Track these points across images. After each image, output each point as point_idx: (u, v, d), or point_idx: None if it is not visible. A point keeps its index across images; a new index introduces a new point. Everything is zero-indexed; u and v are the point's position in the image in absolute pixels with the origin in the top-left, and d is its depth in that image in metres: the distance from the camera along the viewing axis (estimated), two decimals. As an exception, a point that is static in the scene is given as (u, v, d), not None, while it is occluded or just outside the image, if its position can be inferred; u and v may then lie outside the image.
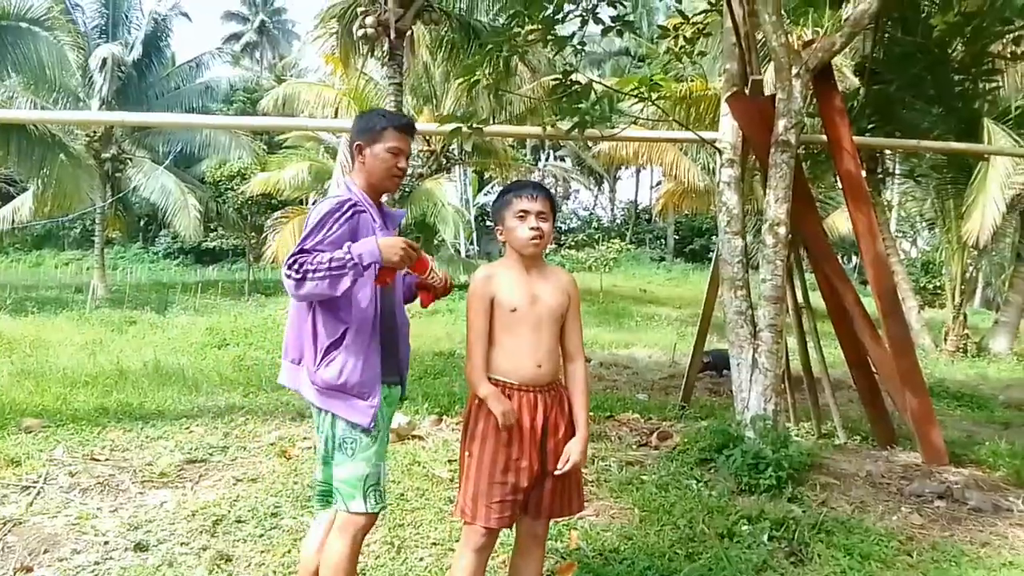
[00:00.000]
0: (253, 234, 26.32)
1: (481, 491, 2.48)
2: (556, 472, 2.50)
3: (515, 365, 2.50)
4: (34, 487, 4.21)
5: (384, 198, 2.79)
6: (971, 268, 14.59)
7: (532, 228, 2.50)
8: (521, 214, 2.51)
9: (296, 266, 2.34)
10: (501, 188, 2.69)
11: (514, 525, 2.62)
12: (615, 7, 5.37)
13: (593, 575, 3.27)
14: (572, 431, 2.56)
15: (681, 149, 18.61)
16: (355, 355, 2.46)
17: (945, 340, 14.35)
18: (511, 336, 2.51)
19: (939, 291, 20.66)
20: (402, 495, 4.19)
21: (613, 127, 5.74)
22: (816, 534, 3.82)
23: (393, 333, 2.62)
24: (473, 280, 2.55)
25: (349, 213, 2.46)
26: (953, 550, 3.76)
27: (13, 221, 22.37)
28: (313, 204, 2.70)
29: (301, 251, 2.38)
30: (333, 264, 2.32)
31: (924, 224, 22.22)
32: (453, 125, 4.80)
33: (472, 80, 4.61)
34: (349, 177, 2.69)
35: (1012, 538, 4.02)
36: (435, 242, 22.42)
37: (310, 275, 2.32)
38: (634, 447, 5.46)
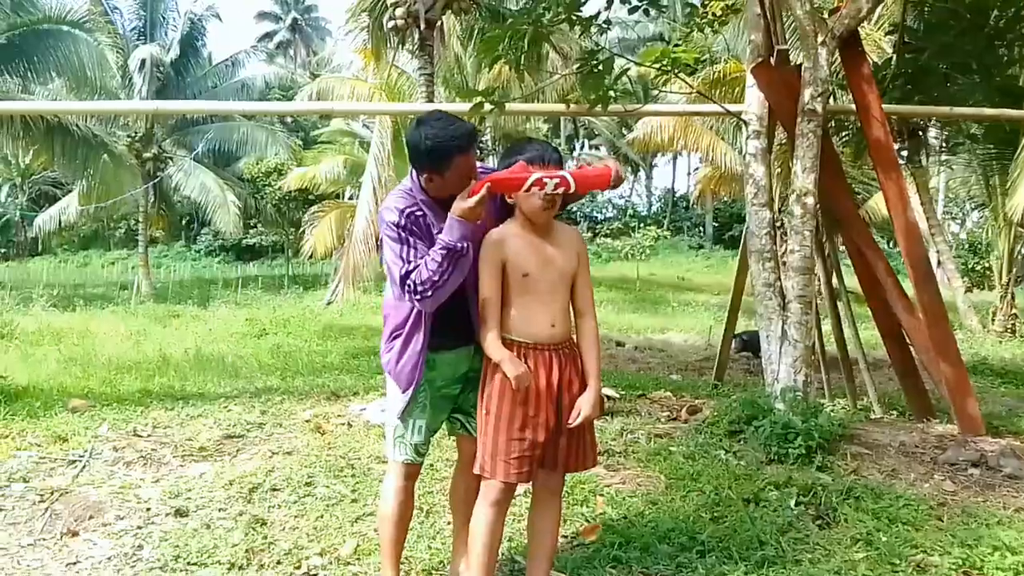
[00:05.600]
0: (292, 229, 26.73)
1: (499, 447, 2.52)
2: (569, 426, 2.54)
3: (530, 326, 2.54)
4: (80, 461, 4.38)
5: None
6: (1020, 247, 14.19)
7: (544, 197, 2.46)
8: None
9: (419, 288, 2.40)
10: (507, 147, 2.69)
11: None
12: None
13: (618, 536, 3.31)
14: (584, 387, 2.59)
15: (718, 133, 18.36)
16: (404, 347, 2.58)
17: (993, 321, 14.00)
18: (525, 299, 2.53)
19: (988, 272, 20.11)
20: (431, 465, 4.26)
21: (638, 102, 5.71)
22: (844, 500, 3.80)
23: (459, 308, 2.58)
24: (484, 244, 2.54)
25: (412, 218, 2.50)
26: (985, 514, 3.70)
27: (60, 222, 23.07)
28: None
29: (408, 273, 2.42)
30: (445, 263, 2.38)
31: (972, 206, 21.66)
32: (476, 100, 4.83)
33: (494, 56, 4.63)
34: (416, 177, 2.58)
35: (1048, 504, 3.96)
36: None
37: (437, 285, 2.40)
38: (663, 421, 5.47)
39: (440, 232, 2.45)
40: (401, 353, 2.59)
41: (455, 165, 2.44)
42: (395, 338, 2.61)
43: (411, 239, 2.47)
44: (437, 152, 2.43)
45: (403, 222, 2.47)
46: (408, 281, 2.42)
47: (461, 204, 2.40)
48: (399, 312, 2.59)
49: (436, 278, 2.39)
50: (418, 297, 2.42)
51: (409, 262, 2.44)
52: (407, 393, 2.60)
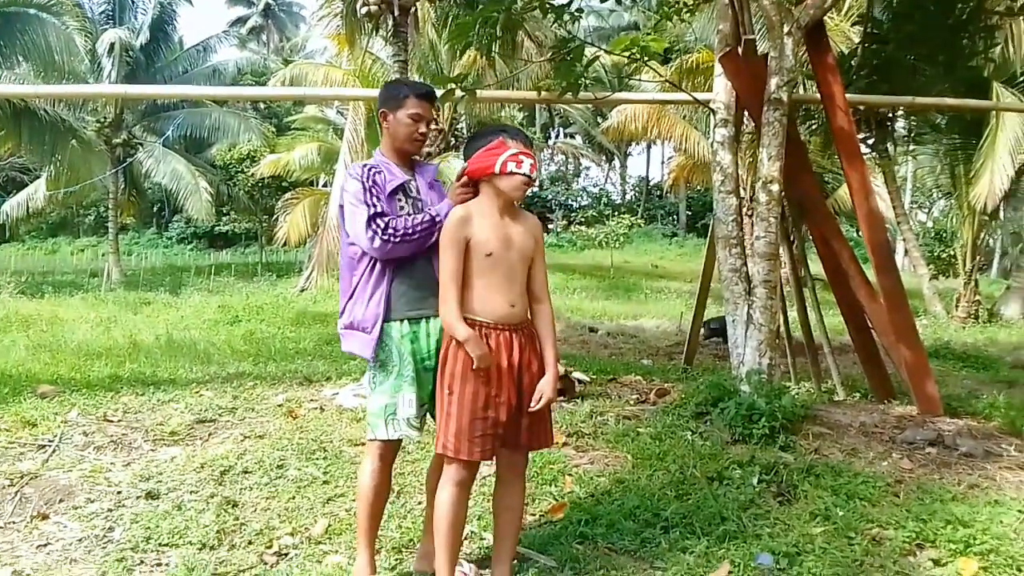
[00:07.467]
0: (264, 216, 26.53)
1: (463, 427, 2.55)
2: (531, 410, 2.61)
3: (490, 305, 2.58)
4: (49, 445, 4.37)
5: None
6: (984, 235, 14.51)
7: (520, 173, 2.55)
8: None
9: (390, 231, 2.64)
10: (476, 132, 2.77)
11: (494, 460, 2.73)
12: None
13: (584, 513, 3.38)
14: (543, 368, 2.66)
15: (691, 122, 18.49)
16: (361, 298, 2.75)
17: (956, 307, 14.31)
18: (485, 278, 2.57)
19: (953, 260, 20.52)
20: (403, 447, 4.30)
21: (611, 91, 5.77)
22: (805, 477, 3.90)
23: (421, 268, 2.74)
24: (447, 222, 2.59)
25: (372, 173, 2.76)
26: (939, 490, 3.81)
27: (28, 208, 22.70)
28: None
29: (379, 214, 2.65)
30: (423, 226, 2.68)
31: (939, 195, 22.02)
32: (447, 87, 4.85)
33: (465, 42, 4.65)
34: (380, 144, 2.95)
35: (1000, 480, 4.09)
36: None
37: (408, 237, 2.66)
38: (632, 403, 5.56)
39: (395, 189, 2.77)
40: (359, 300, 2.75)
41: (405, 104, 2.81)
42: (352, 298, 2.79)
43: (373, 188, 2.72)
44: (393, 90, 2.90)
45: (364, 173, 2.76)
46: (380, 221, 2.64)
47: (453, 188, 2.75)
48: (353, 272, 2.79)
49: (410, 232, 2.65)
50: (384, 237, 2.63)
51: (373, 205, 2.66)
52: (374, 330, 2.70)
